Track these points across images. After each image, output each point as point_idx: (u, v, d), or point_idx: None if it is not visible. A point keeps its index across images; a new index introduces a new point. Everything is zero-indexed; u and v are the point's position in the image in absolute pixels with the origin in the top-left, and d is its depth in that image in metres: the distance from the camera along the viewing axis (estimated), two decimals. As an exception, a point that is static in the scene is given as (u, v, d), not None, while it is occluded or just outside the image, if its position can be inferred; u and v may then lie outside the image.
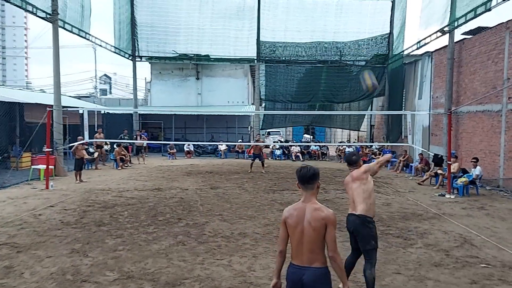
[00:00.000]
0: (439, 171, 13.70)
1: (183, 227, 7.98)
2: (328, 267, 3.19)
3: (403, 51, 22.12)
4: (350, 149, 23.58)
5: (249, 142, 25.50)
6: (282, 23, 24.97)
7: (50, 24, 15.37)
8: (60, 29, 15.83)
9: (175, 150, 23.78)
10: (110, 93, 60.18)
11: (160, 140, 27.98)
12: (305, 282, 3.11)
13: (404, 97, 22.46)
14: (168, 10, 24.98)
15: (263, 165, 17.03)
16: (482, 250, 6.79)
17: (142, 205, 9.98)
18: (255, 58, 24.91)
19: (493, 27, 13.98)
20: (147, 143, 22.89)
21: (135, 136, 21.29)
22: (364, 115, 27.37)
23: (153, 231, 7.62)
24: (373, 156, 22.17)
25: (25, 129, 17.55)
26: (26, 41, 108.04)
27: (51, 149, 13.58)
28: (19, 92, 24.96)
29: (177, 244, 6.86)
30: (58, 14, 15.47)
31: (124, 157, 18.43)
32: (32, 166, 14.97)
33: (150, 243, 6.89)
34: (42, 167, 13.93)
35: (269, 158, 24.03)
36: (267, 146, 25.73)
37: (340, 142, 30.80)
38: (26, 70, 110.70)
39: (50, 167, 13.50)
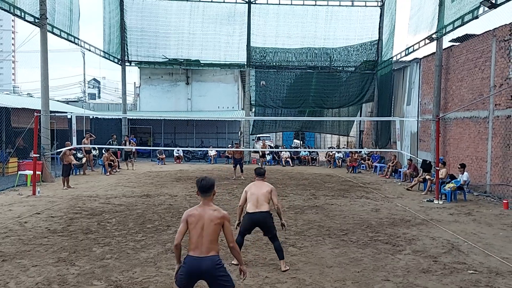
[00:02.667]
0: (428, 177, 13.81)
1: (172, 234, 7.91)
2: (219, 255, 3.87)
3: (392, 58, 22.33)
4: (340, 155, 23.72)
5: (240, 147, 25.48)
6: (272, 29, 25.08)
7: (38, 28, 15.24)
8: (48, 33, 15.70)
9: (164, 156, 23.65)
10: (99, 97, 59.71)
11: (149, 145, 27.84)
12: (204, 269, 3.74)
13: (392, 103, 22.66)
14: (158, 14, 24.94)
15: (242, 171, 17.10)
16: (469, 256, 6.84)
17: (130, 212, 9.89)
18: (246, 63, 24.95)
19: (480, 34, 14.18)
20: (135, 148, 22.74)
21: (123, 142, 21.11)
22: (354, 120, 27.53)
23: (142, 239, 7.55)
24: (362, 161, 22.31)
25: (12, 134, 17.31)
26: (13, 44, 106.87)
27: (38, 155, 13.41)
28: (5, 96, 24.67)
29: (165, 252, 6.80)
30: (47, 18, 15.34)
31: (112, 162, 18.29)
32: (19, 172, 14.77)
33: (138, 251, 6.83)
34: (29, 172, 13.75)
35: (259, 164, 24.02)
36: (256, 151, 25.76)
37: (330, 148, 30.92)
38: (13, 74, 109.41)
39: (37, 173, 13.33)
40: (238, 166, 17.11)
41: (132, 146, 21.27)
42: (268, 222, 6.06)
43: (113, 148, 19.63)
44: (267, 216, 6.02)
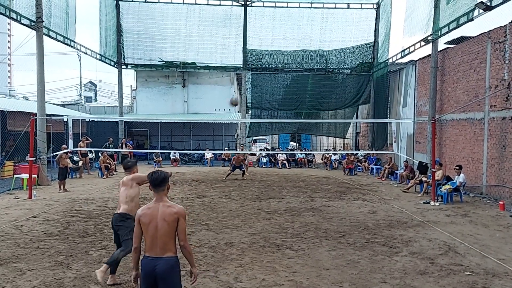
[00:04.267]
0: (424, 179, 13.85)
1: (169, 237, 7.90)
2: (178, 256, 3.69)
3: (387, 60, 22.41)
4: (336, 157, 23.74)
5: (236, 150, 25.53)
6: (268, 31, 25.12)
7: (34, 31, 15.19)
8: (44, 36, 15.67)
9: (161, 158, 23.63)
10: (95, 100, 59.57)
11: (146, 148, 27.81)
12: (157, 271, 3.54)
13: (389, 105, 22.73)
14: (155, 17, 24.92)
15: (243, 173, 17.48)
16: (466, 257, 6.86)
17: (127, 215, 9.85)
18: (242, 65, 24.98)
19: (475, 36, 14.27)
20: (132, 151, 22.68)
21: (120, 145, 21.04)
22: (350, 122, 27.61)
23: (138, 242, 7.53)
24: (358, 163, 22.35)
25: (8, 138, 17.26)
26: (9, 47, 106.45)
27: (34, 158, 13.37)
28: (1, 99, 24.59)
29: (162, 255, 6.78)
30: (43, 21, 15.31)
31: (109, 165, 18.24)
32: (15, 175, 14.70)
33: (135, 254, 6.80)
34: (25, 176, 13.70)
35: (256, 166, 24.05)
36: (253, 154, 25.77)
37: (326, 150, 30.96)
38: (9, 77, 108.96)
39: (33, 176, 13.28)
40: (237, 169, 17.56)
41: (128, 149, 21.19)
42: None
43: (109, 151, 19.60)
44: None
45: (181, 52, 25.24)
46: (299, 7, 24.78)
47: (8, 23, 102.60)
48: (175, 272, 3.65)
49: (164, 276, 3.56)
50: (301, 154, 25.09)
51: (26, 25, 15.04)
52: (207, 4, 24.75)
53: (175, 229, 3.64)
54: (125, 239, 5.39)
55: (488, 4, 11.83)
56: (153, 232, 3.60)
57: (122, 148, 20.19)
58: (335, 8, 24.71)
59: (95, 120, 26.50)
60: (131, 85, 39.64)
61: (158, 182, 3.72)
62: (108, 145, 20.81)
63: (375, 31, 24.68)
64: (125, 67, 25.49)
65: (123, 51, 25.00)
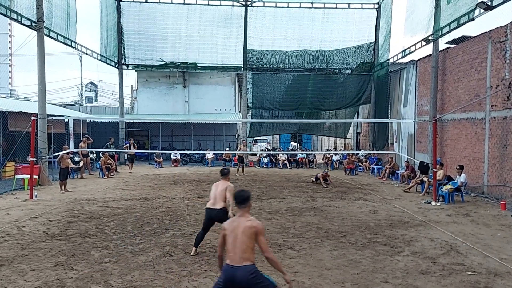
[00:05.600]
0: (425, 178, 13.84)
1: (170, 237, 7.91)
2: (255, 264, 4.01)
3: (388, 59, 22.39)
4: (337, 157, 23.74)
5: (237, 150, 25.52)
6: (269, 31, 25.11)
7: (35, 32, 15.20)
8: (45, 37, 15.67)
9: (161, 159, 23.63)
10: (96, 100, 59.60)
11: (147, 148, 27.82)
12: (238, 279, 3.87)
13: (389, 105, 22.71)
14: (156, 17, 24.92)
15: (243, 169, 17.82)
16: (468, 257, 6.85)
17: (128, 215, 9.87)
18: (242, 66, 24.97)
19: (476, 36, 14.25)
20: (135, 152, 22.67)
21: (127, 145, 20.91)
22: (351, 122, 27.58)
23: (140, 242, 7.54)
24: (359, 163, 22.34)
25: (9, 138, 17.27)
26: (10, 48, 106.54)
27: (35, 159, 13.37)
28: (2, 100, 24.60)
29: (164, 255, 6.79)
30: (44, 22, 15.32)
31: (110, 165, 18.24)
32: (16, 176, 14.71)
33: (136, 254, 6.81)
34: (26, 176, 13.71)
35: (256, 166, 24.06)
36: (254, 154, 25.78)
37: (327, 150, 30.96)
38: (10, 77, 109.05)
39: (34, 176, 13.28)
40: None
41: (135, 149, 21.11)
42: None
43: (110, 151, 19.59)
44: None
45: (182, 52, 25.24)
46: (300, 7, 24.77)
47: (9, 24, 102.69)
48: (254, 278, 3.93)
49: (245, 283, 3.89)
50: (302, 154, 25.09)
51: (27, 26, 15.04)
52: (208, 5, 24.75)
53: (253, 242, 3.99)
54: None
55: (489, 3, 11.82)
56: (233, 243, 3.97)
57: (130, 149, 20.16)
58: (336, 8, 24.70)
59: (96, 120, 26.51)
60: (131, 86, 39.64)
61: (241, 200, 4.16)
62: (109, 146, 20.80)
63: (375, 31, 24.66)
64: (125, 67, 25.49)
65: (124, 52, 25.01)
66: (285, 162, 23.65)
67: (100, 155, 18.94)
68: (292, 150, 29.95)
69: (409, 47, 19.32)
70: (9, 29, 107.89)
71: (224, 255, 4.12)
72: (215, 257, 6.68)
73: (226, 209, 6.71)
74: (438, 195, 12.20)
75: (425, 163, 14.60)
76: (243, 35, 24.67)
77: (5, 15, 13.85)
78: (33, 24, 15.03)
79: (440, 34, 15.67)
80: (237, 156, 19.79)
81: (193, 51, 25.27)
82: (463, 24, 13.73)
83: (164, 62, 25.42)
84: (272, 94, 25.43)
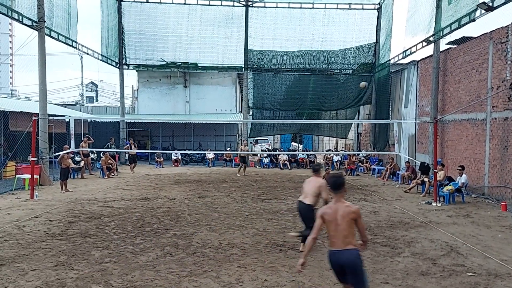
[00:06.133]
0: (426, 179, 13.83)
1: (171, 237, 7.92)
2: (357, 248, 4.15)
3: (389, 60, 22.39)
4: (338, 157, 23.74)
5: (237, 150, 25.53)
6: (270, 32, 25.13)
7: (36, 32, 15.22)
8: (46, 37, 15.69)
9: (162, 159, 23.65)
10: (97, 100, 59.67)
11: (148, 148, 27.82)
12: (344, 262, 4.08)
13: (390, 106, 22.70)
14: (156, 17, 24.94)
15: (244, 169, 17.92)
16: (468, 258, 6.85)
17: (129, 216, 9.88)
18: (243, 66, 24.98)
19: (477, 37, 14.24)
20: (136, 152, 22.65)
21: (128, 145, 20.87)
22: (352, 123, 27.57)
23: (140, 242, 7.54)
24: (360, 164, 22.34)
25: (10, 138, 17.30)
26: (11, 48, 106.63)
27: (36, 158, 13.38)
28: (3, 100, 24.63)
29: (164, 255, 6.79)
30: (45, 22, 15.34)
31: (110, 165, 18.25)
32: (17, 176, 14.73)
33: (137, 254, 6.81)
34: (27, 176, 13.72)
35: (257, 167, 24.06)
36: (255, 155, 25.78)
37: (328, 150, 30.96)
38: (11, 77, 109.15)
39: (35, 176, 13.29)
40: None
41: (135, 149, 21.02)
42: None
43: (111, 151, 19.59)
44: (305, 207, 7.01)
45: (183, 52, 25.25)
46: (301, 7, 24.79)
47: (10, 24, 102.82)
48: (359, 261, 4.11)
49: (351, 265, 4.07)
50: (302, 154, 25.09)
51: (28, 26, 15.06)
52: (209, 5, 24.77)
53: (353, 226, 4.14)
54: (310, 226, 6.27)
55: (490, 4, 11.82)
56: (334, 229, 4.13)
57: (131, 148, 20.10)
58: (337, 8, 24.71)
59: (97, 120, 26.53)
60: (132, 86, 39.68)
61: (337, 186, 4.25)
62: (109, 146, 20.80)
63: (376, 31, 24.67)
64: (126, 67, 25.51)
65: (125, 52, 25.03)
66: (285, 162, 23.64)
67: (101, 155, 18.95)
68: (292, 150, 29.97)
69: (410, 48, 19.33)
70: (10, 29, 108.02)
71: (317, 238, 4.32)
72: (216, 257, 6.70)
73: (312, 206, 6.95)
74: (438, 196, 12.20)
75: (426, 164, 14.59)
76: (244, 35, 24.69)
77: (6, 15, 13.87)
78: (34, 24, 15.05)
79: (441, 35, 15.67)
80: (238, 156, 19.85)
81: (194, 51, 25.29)
82: (464, 24, 13.74)
83: (165, 62, 25.44)
84: (273, 94, 25.42)
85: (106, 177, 17.56)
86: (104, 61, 23.16)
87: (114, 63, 24.42)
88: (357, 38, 25.09)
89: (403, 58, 20.80)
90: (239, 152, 20.65)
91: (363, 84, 22.46)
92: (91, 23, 26.10)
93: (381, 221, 9.65)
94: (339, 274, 4.24)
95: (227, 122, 28.93)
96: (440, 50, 16.58)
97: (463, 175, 12.62)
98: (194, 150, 27.83)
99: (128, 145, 20.45)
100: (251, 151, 28.02)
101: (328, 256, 4.22)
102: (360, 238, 4.28)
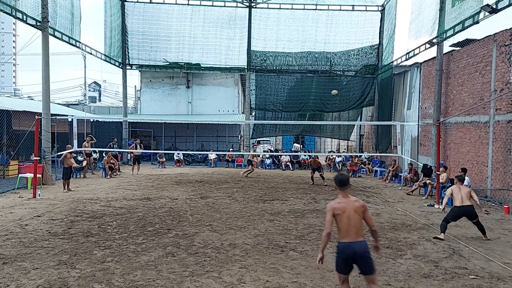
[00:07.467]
0: (428, 181, 13.80)
1: (173, 237, 7.92)
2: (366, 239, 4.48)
3: (392, 62, 22.38)
4: (340, 159, 23.69)
5: (240, 151, 25.55)
6: (273, 33, 25.14)
7: (40, 31, 15.26)
8: (50, 36, 15.73)
9: (164, 159, 23.67)
10: (100, 100, 59.75)
11: (154, 149, 27.85)
12: (357, 252, 4.36)
13: (393, 107, 22.68)
14: (160, 18, 25.00)
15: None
16: (470, 261, 6.83)
17: (131, 215, 9.89)
18: (246, 67, 24.99)
19: (480, 39, 14.22)
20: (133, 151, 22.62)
21: (133, 145, 20.78)
22: (354, 125, 27.55)
23: (142, 242, 7.54)
24: (362, 165, 22.31)
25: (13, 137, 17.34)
26: (14, 47, 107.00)
27: (39, 158, 13.41)
28: (6, 99, 24.68)
29: (166, 255, 6.80)
30: (48, 21, 15.38)
31: (113, 165, 18.28)
32: (19, 175, 14.76)
33: (139, 254, 6.82)
34: (29, 175, 13.75)
35: (259, 167, 24.05)
36: (257, 155, 25.78)
37: (330, 152, 30.93)
38: (14, 77, 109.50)
39: (38, 175, 13.32)
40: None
41: (141, 149, 20.90)
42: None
43: (113, 151, 19.61)
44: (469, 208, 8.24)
45: (186, 53, 25.29)
46: (304, 8, 24.81)
47: (14, 23, 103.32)
48: (369, 251, 4.44)
49: (363, 255, 4.38)
50: (304, 155, 25.07)
51: (32, 25, 15.10)
52: (212, 6, 24.81)
53: (362, 219, 4.47)
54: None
55: (494, 7, 11.79)
56: (347, 222, 4.40)
57: (136, 149, 20.00)
58: (340, 10, 24.71)
59: (100, 120, 26.56)
60: (135, 86, 39.75)
61: (343, 183, 4.54)
62: (112, 145, 20.81)
63: (379, 33, 24.65)
64: (129, 67, 25.57)
65: (128, 52, 25.09)
66: (287, 163, 23.64)
67: (103, 154, 18.98)
68: (295, 151, 29.95)
69: (413, 50, 19.32)
70: (13, 29, 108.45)
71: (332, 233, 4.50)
72: (217, 257, 6.70)
73: (473, 206, 8.03)
74: (441, 198, 12.15)
75: (428, 166, 14.57)
76: (247, 36, 24.71)
77: (10, 14, 13.92)
78: (38, 23, 15.09)
79: (444, 37, 15.65)
80: (250, 157, 20.34)
81: (197, 51, 25.33)
82: (467, 27, 13.72)
83: (168, 63, 25.49)
84: (275, 95, 25.42)
85: (108, 176, 17.59)
86: (107, 61, 23.21)
87: (117, 63, 24.47)
88: (360, 39, 25.08)
89: (406, 60, 20.79)
90: (251, 153, 20.95)
91: (334, 92, 22.58)
92: (95, 23, 26.06)
93: (383, 223, 9.63)
94: (348, 265, 4.48)
95: (229, 123, 28.93)
96: (444, 52, 16.56)
97: (466, 178, 12.56)
98: (196, 151, 27.86)
99: (134, 144, 20.38)
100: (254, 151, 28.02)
101: (341, 248, 4.44)
102: (368, 228, 4.61)
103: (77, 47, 19.34)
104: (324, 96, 25.34)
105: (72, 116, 16.92)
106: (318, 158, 17.62)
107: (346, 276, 4.64)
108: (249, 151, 25.44)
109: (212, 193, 13.81)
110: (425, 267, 6.47)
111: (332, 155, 24.64)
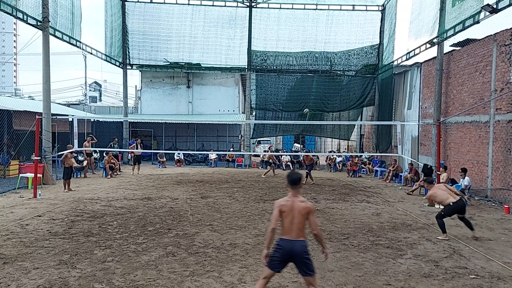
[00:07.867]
0: (423, 184, 13.78)
1: (173, 237, 7.93)
2: (307, 240, 4.54)
3: (392, 62, 22.37)
4: (340, 159, 23.70)
5: (240, 151, 25.55)
6: (273, 33, 25.11)
7: (40, 31, 15.27)
8: (50, 36, 15.74)
9: (165, 159, 23.68)
10: (100, 100, 59.79)
11: (155, 149, 27.87)
12: (295, 250, 4.42)
13: (393, 107, 22.68)
14: (160, 18, 24.98)
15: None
16: (470, 260, 6.83)
17: (131, 215, 9.90)
18: (246, 67, 24.99)
19: (481, 39, 14.22)
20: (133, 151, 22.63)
21: (134, 145, 20.77)
22: (354, 124, 27.55)
23: (143, 242, 7.55)
24: (362, 165, 22.32)
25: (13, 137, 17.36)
26: (15, 47, 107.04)
27: (39, 157, 13.42)
28: (7, 99, 24.70)
29: (166, 255, 6.81)
30: (49, 21, 15.39)
31: (113, 165, 18.29)
32: (20, 175, 14.78)
33: (139, 254, 6.83)
34: (30, 175, 13.76)
35: (259, 167, 24.05)
36: (256, 156, 25.81)
37: (330, 152, 30.93)
38: (15, 76, 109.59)
39: (38, 175, 13.33)
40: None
41: (141, 149, 20.89)
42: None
43: (114, 151, 19.62)
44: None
45: (186, 53, 25.28)
46: (304, 8, 24.78)
47: (14, 23, 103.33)
48: (307, 252, 4.50)
49: (301, 254, 4.43)
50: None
51: (33, 25, 15.11)
52: (212, 5, 24.79)
53: (305, 220, 4.51)
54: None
55: (494, 6, 11.79)
56: (290, 221, 4.48)
57: (137, 148, 20.00)
58: (340, 9, 24.69)
59: (100, 120, 26.58)
60: (136, 86, 39.78)
61: (295, 182, 4.57)
62: (112, 145, 20.82)
63: (380, 33, 24.63)
64: (130, 67, 25.56)
65: (128, 52, 25.08)
66: (288, 163, 23.64)
67: (104, 154, 18.99)
68: (295, 151, 29.95)
69: (414, 50, 19.30)
70: (14, 29, 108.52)
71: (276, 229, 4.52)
72: (218, 257, 6.71)
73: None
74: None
75: (429, 166, 14.56)
76: (247, 36, 24.69)
77: (10, 14, 13.91)
78: (39, 23, 15.10)
79: (445, 37, 15.64)
80: (266, 158, 20.92)
81: (197, 51, 25.31)
82: (468, 26, 13.71)
83: (168, 63, 25.48)
84: (275, 95, 25.41)
85: (109, 176, 17.60)
86: (108, 61, 23.21)
87: (117, 63, 24.48)
88: (360, 39, 25.06)
89: (407, 59, 20.77)
90: (268, 154, 21.16)
91: (306, 110, 22.92)
92: (95, 23, 26.03)
93: (384, 222, 9.64)
94: (282, 262, 4.50)
95: (229, 123, 28.94)
96: (444, 52, 16.55)
97: (466, 178, 12.61)
98: (197, 151, 27.87)
99: (135, 144, 20.38)
100: (254, 151, 28.05)
101: (278, 243, 4.50)
102: (311, 231, 4.56)
103: (78, 47, 19.34)
104: (324, 96, 25.34)
105: (73, 116, 16.95)
106: (311, 151, 17.72)
107: (273, 274, 4.64)
108: (250, 151, 25.46)
109: (212, 193, 13.82)
110: (425, 266, 6.48)
111: (332, 155, 24.63)
